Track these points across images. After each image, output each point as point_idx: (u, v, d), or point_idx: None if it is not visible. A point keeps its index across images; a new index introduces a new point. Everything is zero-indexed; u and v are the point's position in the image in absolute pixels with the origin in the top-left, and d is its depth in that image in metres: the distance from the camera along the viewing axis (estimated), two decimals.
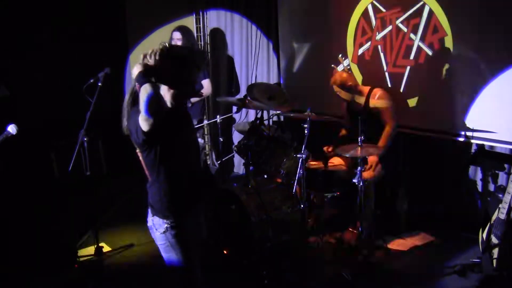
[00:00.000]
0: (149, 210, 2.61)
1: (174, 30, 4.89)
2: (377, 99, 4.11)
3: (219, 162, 5.62)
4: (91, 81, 4.06)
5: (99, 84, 4.00)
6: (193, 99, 4.75)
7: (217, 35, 5.93)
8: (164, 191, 2.52)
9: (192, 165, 2.65)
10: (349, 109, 4.35)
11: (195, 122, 4.86)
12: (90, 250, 4.11)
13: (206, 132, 6.13)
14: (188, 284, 2.68)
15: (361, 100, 4.17)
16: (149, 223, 2.62)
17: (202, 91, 4.87)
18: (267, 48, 5.57)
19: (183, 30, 4.88)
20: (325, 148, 4.25)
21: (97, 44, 5.09)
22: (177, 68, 2.42)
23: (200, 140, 5.10)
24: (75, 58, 4.88)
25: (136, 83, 2.38)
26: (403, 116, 4.37)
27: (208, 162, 6.21)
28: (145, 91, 2.25)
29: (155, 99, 2.25)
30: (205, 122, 5.72)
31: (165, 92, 2.45)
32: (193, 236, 2.65)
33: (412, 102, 4.34)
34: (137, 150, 2.53)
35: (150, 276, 3.85)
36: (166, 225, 2.54)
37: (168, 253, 2.61)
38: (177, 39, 4.81)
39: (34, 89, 4.68)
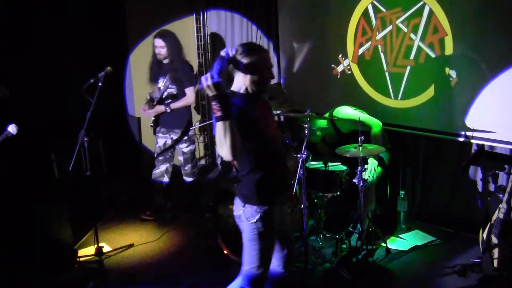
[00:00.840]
0: (238, 200, 2.69)
1: (154, 37, 4.54)
2: (341, 114, 4.14)
3: (220, 162, 5.63)
4: (91, 81, 4.06)
5: (99, 84, 4.00)
6: (174, 105, 4.58)
7: (218, 36, 5.94)
8: (258, 179, 2.61)
9: (280, 152, 2.77)
10: (326, 143, 4.43)
11: (178, 132, 4.69)
12: (90, 250, 4.11)
13: (197, 139, 5.83)
14: (263, 272, 2.74)
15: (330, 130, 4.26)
16: (238, 212, 2.68)
17: (183, 99, 4.61)
18: (267, 48, 5.56)
19: (164, 35, 4.52)
20: None
21: (97, 44, 5.08)
22: (260, 57, 2.59)
23: (191, 147, 4.83)
24: (75, 58, 4.88)
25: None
26: (403, 116, 4.37)
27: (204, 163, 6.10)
28: (221, 131, 2.37)
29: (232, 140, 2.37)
30: (206, 122, 5.72)
31: (243, 80, 2.59)
32: (276, 226, 2.74)
33: (412, 102, 4.34)
34: None
35: (150, 276, 3.86)
36: (258, 214, 2.61)
37: (253, 241, 2.66)
38: (161, 46, 4.49)
39: (34, 89, 4.68)
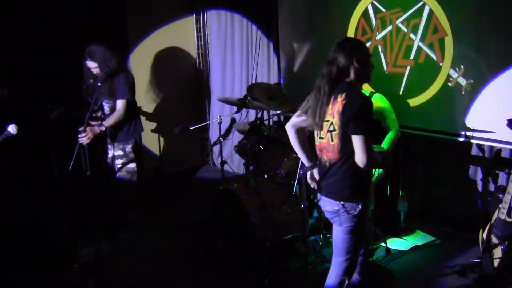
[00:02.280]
0: (335, 196, 2.77)
1: (85, 60, 4.16)
2: (379, 101, 4.08)
3: (220, 162, 5.63)
4: (91, 81, 4.06)
5: (99, 84, 4.00)
6: (106, 123, 4.14)
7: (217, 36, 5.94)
8: (360, 174, 2.71)
9: None
10: None
11: (120, 149, 4.35)
12: (90, 250, 4.11)
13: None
14: (356, 260, 2.93)
15: None
16: (334, 208, 2.77)
17: (114, 114, 4.18)
18: (267, 48, 5.57)
19: (92, 55, 4.12)
20: None
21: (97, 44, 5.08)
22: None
23: (130, 164, 4.40)
24: (76, 58, 4.87)
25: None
26: (404, 116, 4.37)
27: None
28: (362, 149, 2.60)
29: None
30: (206, 122, 5.72)
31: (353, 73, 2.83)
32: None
33: (412, 102, 4.34)
34: (336, 133, 2.71)
35: (150, 276, 3.86)
36: (359, 205, 2.74)
37: (352, 233, 2.80)
38: (94, 67, 4.12)
39: (34, 89, 4.68)
